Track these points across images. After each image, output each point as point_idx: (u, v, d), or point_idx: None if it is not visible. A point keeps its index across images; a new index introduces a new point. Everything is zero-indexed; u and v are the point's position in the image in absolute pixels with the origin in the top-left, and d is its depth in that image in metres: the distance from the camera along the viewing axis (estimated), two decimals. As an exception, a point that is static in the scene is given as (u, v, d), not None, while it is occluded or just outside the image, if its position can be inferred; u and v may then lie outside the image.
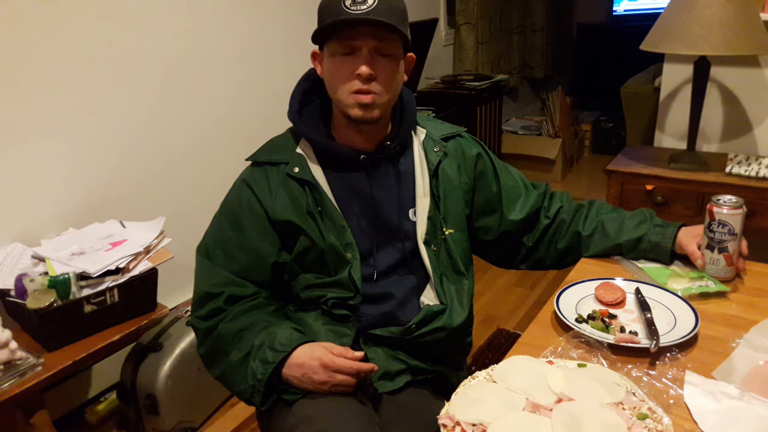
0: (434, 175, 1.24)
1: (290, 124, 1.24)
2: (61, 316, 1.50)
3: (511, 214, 1.31)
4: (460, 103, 3.37)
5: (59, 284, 1.50)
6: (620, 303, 1.14)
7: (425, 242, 1.21)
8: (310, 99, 1.24)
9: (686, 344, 1.01)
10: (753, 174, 2.01)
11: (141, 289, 1.65)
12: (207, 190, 2.26)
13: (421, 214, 1.22)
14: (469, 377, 0.93)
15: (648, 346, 0.98)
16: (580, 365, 0.94)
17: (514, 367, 0.94)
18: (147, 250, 1.69)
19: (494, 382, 0.91)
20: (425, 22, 3.22)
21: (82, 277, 1.56)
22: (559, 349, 1.01)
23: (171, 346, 1.88)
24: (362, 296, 1.18)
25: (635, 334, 1.04)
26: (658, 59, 2.60)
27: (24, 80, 1.72)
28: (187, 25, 2.16)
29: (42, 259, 1.61)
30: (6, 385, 1.36)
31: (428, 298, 1.22)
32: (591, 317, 1.09)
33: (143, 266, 1.65)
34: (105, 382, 2.08)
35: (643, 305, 1.11)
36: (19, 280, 1.52)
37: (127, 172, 2.03)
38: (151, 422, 1.87)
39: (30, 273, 1.56)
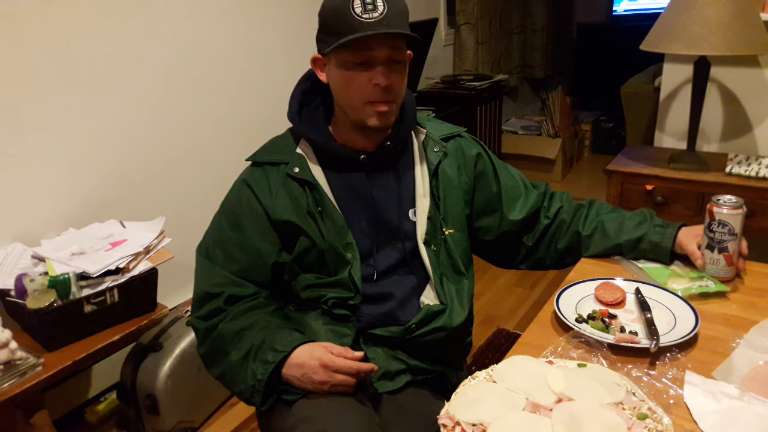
0: (434, 175, 1.24)
1: (290, 125, 1.24)
2: (61, 316, 1.50)
3: (511, 214, 1.31)
4: (460, 103, 3.37)
5: (59, 284, 1.50)
6: (620, 303, 1.14)
7: (425, 242, 1.21)
8: (310, 99, 1.24)
9: (686, 344, 1.01)
10: (753, 174, 2.01)
11: (141, 289, 1.65)
12: (207, 190, 2.26)
13: (421, 214, 1.22)
14: (469, 377, 0.93)
15: (648, 346, 0.98)
16: (580, 365, 0.94)
17: (514, 367, 0.94)
18: (147, 250, 1.69)
19: (494, 382, 0.91)
20: (425, 22, 3.22)
21: (82, 277, 1.56)
22: (559, 349, 1.01)
23: (171, 346, 1.88)
24: (362, 296, 1.18)
25: (635, 334, 1.04)
26: (658, 59, 2.60)
27: (24, 80, 1.72)
28: (187, 25, 2.16)
29: (42, 259, 1.61)
30: (6, 385, 1.36)
31: (428, 298, 1.22)
32: (591, 317, 1.09)
33: (143, 266, 1.65)
34: (105, 382, 2.08)
35: (643, 305, 1.11)
36: (19, 280, 1.52)
37: (128, 172, 2.03)
38: (151, 422, 1.87)
39: (30, 273, 1.56)
